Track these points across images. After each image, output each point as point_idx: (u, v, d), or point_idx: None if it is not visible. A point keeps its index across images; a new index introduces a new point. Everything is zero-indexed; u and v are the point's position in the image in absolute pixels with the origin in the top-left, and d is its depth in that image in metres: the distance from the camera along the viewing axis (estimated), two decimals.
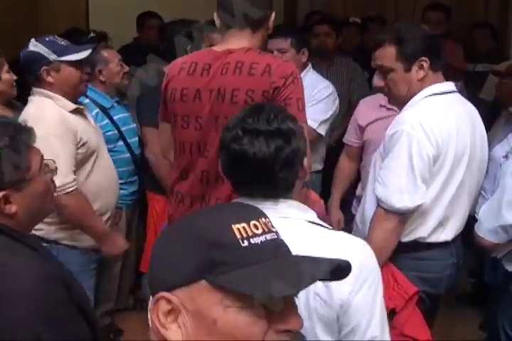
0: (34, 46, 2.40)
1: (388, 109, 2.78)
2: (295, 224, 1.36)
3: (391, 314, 2.04)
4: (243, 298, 0.84)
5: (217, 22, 2.12)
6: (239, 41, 2.06)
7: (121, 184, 2.76)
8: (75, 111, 2.45)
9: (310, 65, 3.29)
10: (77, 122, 2.43)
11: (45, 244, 2.28)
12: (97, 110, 2.97)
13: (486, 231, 2.14)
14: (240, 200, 1.40)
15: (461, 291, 3.58)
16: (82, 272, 2.40)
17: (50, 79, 2.40)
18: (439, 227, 2.10)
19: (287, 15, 5.59)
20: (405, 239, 2.10)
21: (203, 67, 2.06)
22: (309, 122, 3.07)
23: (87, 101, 2.92)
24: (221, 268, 0.84)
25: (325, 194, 2.99)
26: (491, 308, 2.50)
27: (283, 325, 0.86)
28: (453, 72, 3.63)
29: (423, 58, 2.06)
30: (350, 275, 1.20)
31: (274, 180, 1.37)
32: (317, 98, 3.13)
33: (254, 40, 2.08)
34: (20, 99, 2.78)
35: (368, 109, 2.93)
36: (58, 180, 2.27)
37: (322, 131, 3.17)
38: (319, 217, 1.47)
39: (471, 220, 2.25)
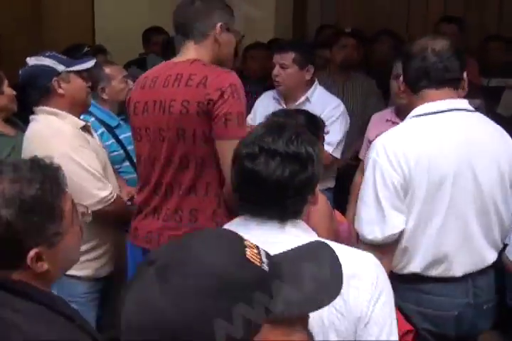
0: (38, 60, 2.31)
1: (393, 122, 2.77)
2: (305, 241, 1.30)
3: None
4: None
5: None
6: (186, 53, 2.11)
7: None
8: (82, 129, 2.36)
9: (317, 82, 3.19)
10: (85, 140, 2.35)
11: None
12: (103, 129, 2.87)
13: None
14: (243, 218, 1.37)
15: None
16: (85, 303, 2.29)
17: (61, 90, 2.31)
18: (438, 263, 1.93)
19: (296, 29, 5.51)
20: (401, 272, 1.96)
21: (151, 80, 2.12)
22: (325, 147, 3.03)
23: (92, 119, 2.83)
24: (270, 303, 0.78)
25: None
26: None
27: None
28: (470, 88, 3.53)
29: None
30: (369, 284, 1.26)
31: (283, 204, 1.33)
32: (330, 118, 3.05)
33: (201, 52, 2.10)
34: (19, 119, 2.70)
35: (376, 123, 2.95)
36: (102, 194, 2.23)
37: (338, 154, 3.11)
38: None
39: None
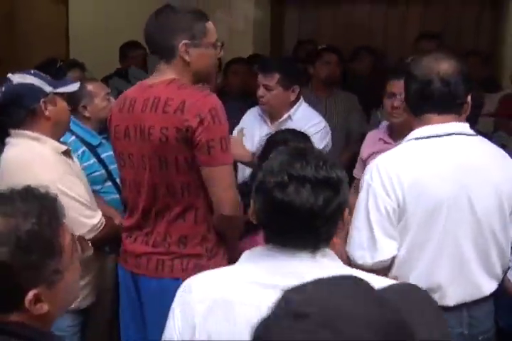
0: (23, 78, 2.15)
1: (385, 142, 2.73)
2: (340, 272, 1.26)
3: None
4: None
5: None
6: (162, 72, 2.02)
7: None
8: (63, 153, 2.21)
9: (302, 99, 3.11)
10: (68, 165, 2.21)
11: None
12: (84, 148, 2.74)
13: None
14: (266, 248, 1.30)
15: None
16: (70, 337, 2.18)
17: (47, 113, 2.14)
18: (431, 292, 1.81)
19: (274, 45, 5.49)
20: None
21: (130, 102, 2.03)
22: None
23: (73, 138, 2.72)
24: None
25: None
26: None
27: None
28: None
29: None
30: None
31: (317, 232, 1.28)
32: (308, 133, 2.96)
33: (174, 71, 2.00)
34: None
35: (369, 142, 2.88)
36: (92, 221, 2.13)
37: None
38: None
39: None
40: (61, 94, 2.21)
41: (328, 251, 1.32)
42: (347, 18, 5.43)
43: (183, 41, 1.96)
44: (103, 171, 2.77)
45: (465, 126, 1.88)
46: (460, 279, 1.86)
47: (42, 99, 2.14)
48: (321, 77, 3.81)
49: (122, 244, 2.16)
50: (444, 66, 1.85)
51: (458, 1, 5.12)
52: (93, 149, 2.77)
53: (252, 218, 1.35)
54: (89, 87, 2.80)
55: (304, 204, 1.22)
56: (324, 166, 1.26)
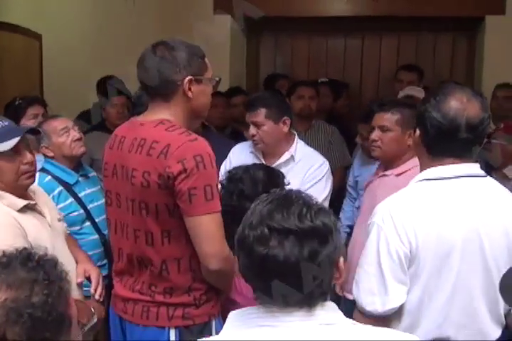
0: None
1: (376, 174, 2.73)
2: (343, 330, 1.18)
3: None
4: None
5: None
6: (155, 110, 1.89)
7: None
8: (25, 208, 1.99)
9: (297, 137, 2.99)
10: (26, 223, 1.95)
11: None
12: (60, 188, 2.61)
13: None
14: (263, 308, 1.18)
15: None
16: None
17: None
18: None
19: (249, 77, 5.45)
20: None
21: (119, 140, 1.93)
22: None
23: (48, 178, 2.60)
24: None
25: None
26: None
27: None
28: None
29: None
30: None
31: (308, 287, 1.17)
32: (315, 177, 2.86)
33: (170, 109, 1.87)
34: None
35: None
36: None
37: None
38: None
39: None
40: None
41: (328, 303, 1.20)
42: (321, 51, 5.42)
43: (189, 77, 1.84)
44: (81, 211, 2.65)
45: (476, 167, 1.82)
46: (469, 328, 1.78)
47: None
48: (295, 111, 3.69)
49: (114, 286, 2.04)
50: (471, 111, 1.73)
51: (430, 34, 5.16)
52: (70, 188, 2.64)
53: (238, 274, 1.24)
54: (44, 126, 2.69)
55: (288, 258, 1.11)
56: (308, 214, 1.14)
